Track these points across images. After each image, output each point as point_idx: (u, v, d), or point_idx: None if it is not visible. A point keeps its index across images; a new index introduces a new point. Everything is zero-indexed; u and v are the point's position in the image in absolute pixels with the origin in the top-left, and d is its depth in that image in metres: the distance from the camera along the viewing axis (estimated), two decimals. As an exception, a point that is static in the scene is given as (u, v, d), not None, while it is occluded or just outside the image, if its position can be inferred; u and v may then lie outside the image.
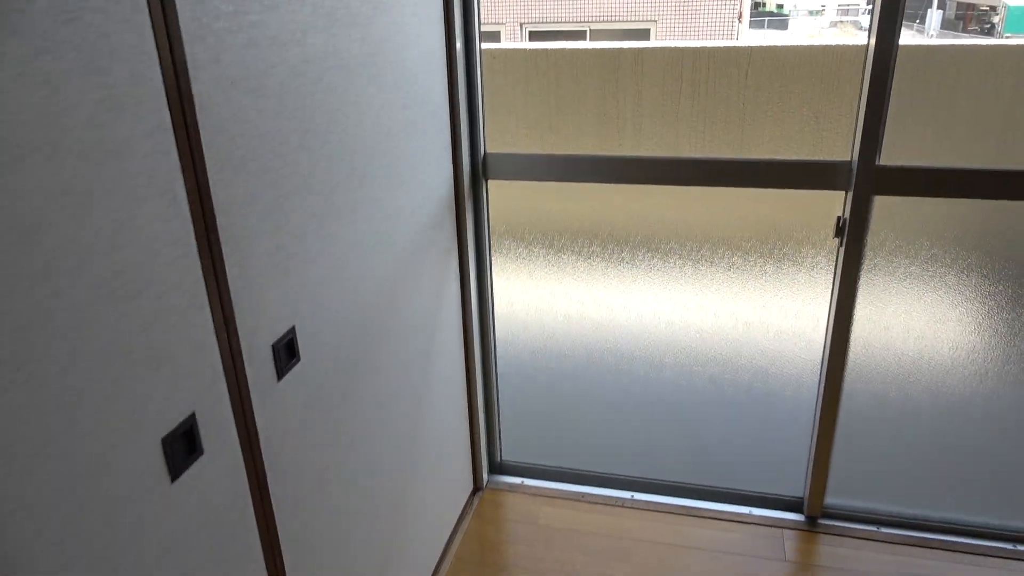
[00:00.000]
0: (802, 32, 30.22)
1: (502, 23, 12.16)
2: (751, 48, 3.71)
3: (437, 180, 2.27)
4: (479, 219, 2.58)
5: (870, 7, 2.09)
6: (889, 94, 2.14)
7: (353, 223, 1.70)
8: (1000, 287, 2.33)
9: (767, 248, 2.54)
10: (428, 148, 2.17)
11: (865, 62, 2.16)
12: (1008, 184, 2.12)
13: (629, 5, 11.74)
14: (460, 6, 2.30)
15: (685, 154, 2.53)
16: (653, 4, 11.67)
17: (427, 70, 2.12)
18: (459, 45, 2.32)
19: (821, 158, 2.32)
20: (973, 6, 30.81)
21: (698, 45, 3.79)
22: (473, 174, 2.50)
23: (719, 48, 3.76)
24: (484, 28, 2.41)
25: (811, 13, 33.31)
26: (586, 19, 12.06)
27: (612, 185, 2.64)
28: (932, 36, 24.95)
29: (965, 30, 29.60)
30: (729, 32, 11.82)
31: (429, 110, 2.16)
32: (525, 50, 3.61)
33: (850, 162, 2.25)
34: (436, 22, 2.18)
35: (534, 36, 12.38)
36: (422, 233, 2.17)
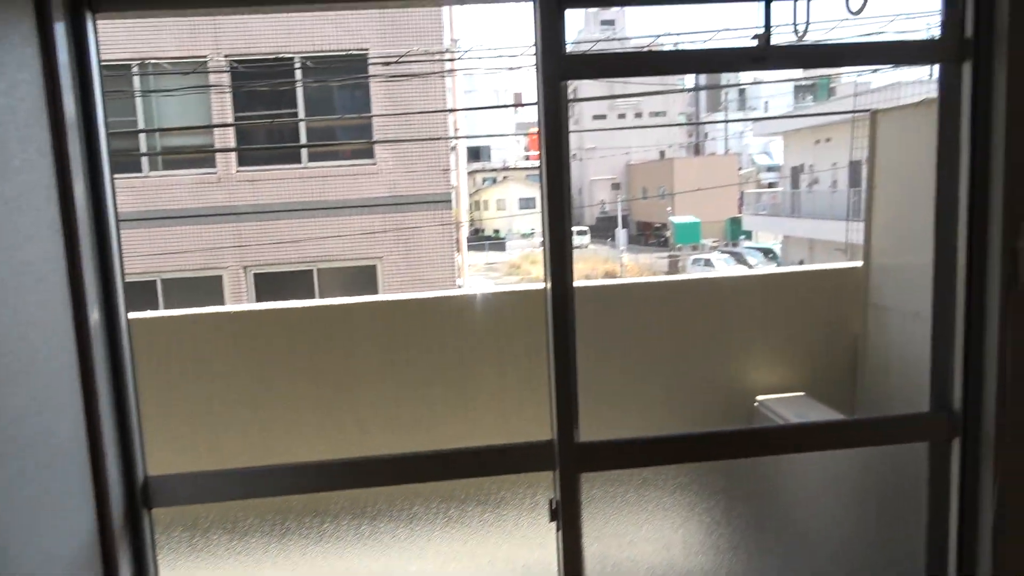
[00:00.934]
0: (517, 250, 33.79)
1: (224, 266, 11.83)
2: (461, 297, 3.84)
3: (69, 531, 1.72)
4: (142, 563, 2.02)
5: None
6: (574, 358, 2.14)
7: None
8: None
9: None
10: (47, 496, 1.63)
11: (547, 320, 2.16)
12: (698, 447, 2.18)
13: (354, 242, 12.10)
14: (93, 258, 1.87)
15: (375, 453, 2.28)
16: (377, 240, 12.15)
17: (43, 369, 1.63)
18: (94, 317, 1.86)
19: (524, 440, 2.23)
20: (649, 224, 36.96)
21: (410, 297, 3.84)
22: (130, 508, 1.97)
23: (431, 298, 3.83)
24: (195, 270, 1.98)
25: (523, 236, 37.66)
26: (313, 258, 12.16)
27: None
28: (623, 251, 29.17)
29: (646, 243, 35.24)
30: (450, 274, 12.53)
31: (48, 438, 1.63)
32: (213, 315, 3.31)
33: (552, 441, 2.17)
34: (57, 287, 1.72)
35: (260, 279, 12.15)
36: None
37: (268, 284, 12.12)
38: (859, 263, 3.76)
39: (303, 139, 11.89)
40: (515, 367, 3.59)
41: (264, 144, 12.00)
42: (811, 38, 2.36)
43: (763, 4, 1.99)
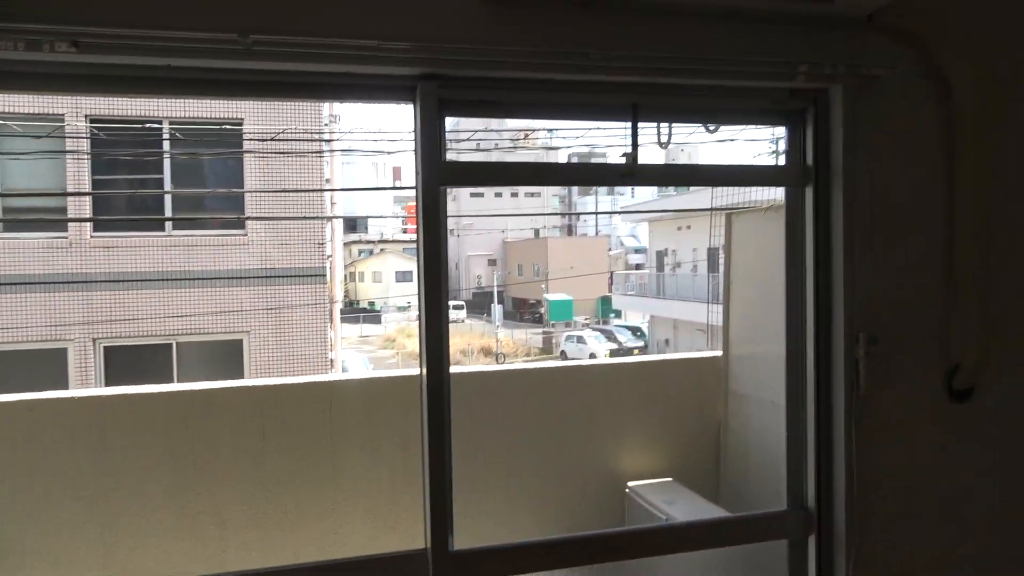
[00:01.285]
0: (393, 325, 33.36)
1: (70, 338, 10.88)
2: (332, 383, 3.71)
3: None
4: None
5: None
6: (449, 460, 2.10)
7: None
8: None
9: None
10: None
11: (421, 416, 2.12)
12: (577, 550, 2.20)
13: (220, 315, 11.51)
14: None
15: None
16: (245, 314, 11.62)
17: None
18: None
19: (395, 548, 2.16)
20: (525, 301, 37.65)
21: (278, 382, 3.66)
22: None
23: (302, 384, 3.66)
24: (37, 342, 1.80)
25: (400, 309, 37.33)
26: (173, 331, 11.44)
27: None
28: (498, 326, 29.48)
29: (521, 319, 35.81)
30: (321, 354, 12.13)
31: None
32: (53, 400, 3.02)
33: (425, 550, 2.11)
34: None
35: (111, 353, 11.25)
36: None
37: (120, 359, 11.23)
38: (720, 352, 3.98)
39: (168, 206, 11.32)
40: (388, 458, 3.48)
41: (126, 211, 11.32)
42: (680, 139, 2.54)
43: (630, 126, 2.12)
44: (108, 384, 10.80)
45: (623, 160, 2.13)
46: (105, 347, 11.18)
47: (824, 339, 2.29)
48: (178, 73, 1.88)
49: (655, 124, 2.37)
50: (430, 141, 2.02)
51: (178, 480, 3.17)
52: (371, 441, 3.48)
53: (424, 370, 2.10)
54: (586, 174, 2.36)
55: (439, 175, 2.03)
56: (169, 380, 11.03)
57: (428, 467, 2.07)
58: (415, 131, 2.04)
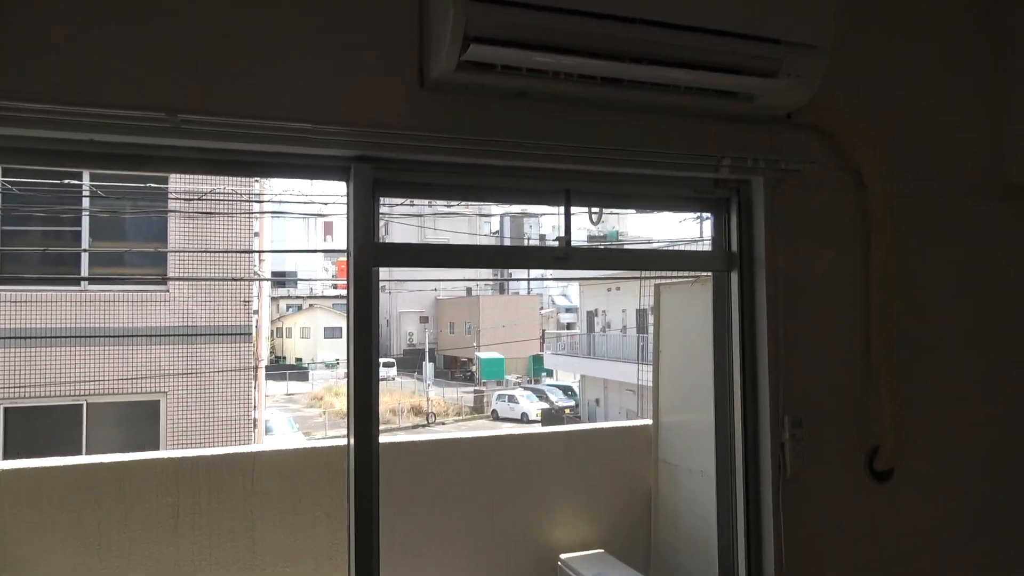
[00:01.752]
0: (321, 382, 32.53)
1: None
2: (253, 454, 3.56)
3: None
4: None
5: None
6: (377, 511, 2.04)
7: None
8: None
9: None
10: None
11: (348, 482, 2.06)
12: None
13: (136, 374, 10.97)
14: None
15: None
16: (164, 373, 11.12)
17: None
18: None
19: None
20: (456, 359, 37.42)
21: (197, 454, 3.50)
22: None
23: (219, 456, 3.51)
24: None
25: (328, 366, 36.47)
26: (83, 391, 10.81)
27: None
28: (429, 384, 29.11)
29: (453, 378, 35.52)
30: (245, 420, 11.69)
31: None
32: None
33: None
34: None
35: (12, 414, 10.53)
36: None
37: (22, 421, 10.53)
38: (650, 421, 4.02)
39: (85, 263, 10.84)
40: (311, 533, 3.36)
41: (39, 262, 10.78)
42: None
43: (562, 212, 2.16)
44: (7, 449, 10.08)
45: (556, 243, 2.16)
46: (5, 408, 10.48)
47: (751, 420, 2.34)
48: (102, 148, 1.82)
49: (586, 210, 2.43)
50: (364, 221, 2.01)
51: (82, 562, 2.99)
52: (293, 516, 3.36)
53: (352, 440, 2.04)
54: (521, 257, 2.40)
55: (372, 256, 2.01)
56: (78, 444, 10.41)
57: (354, 543, 1.98)
58: (348, 210, 2.02)
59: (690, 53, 1.91)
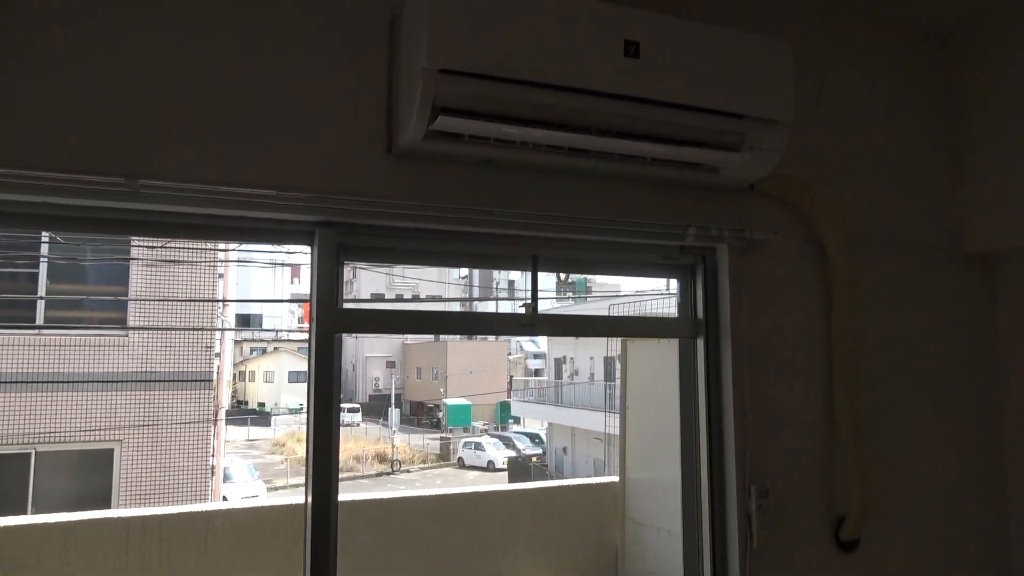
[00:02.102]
0: (284, 428, 31.83)
1: None
2: (209, 513, 3.45)
3: None
4: None
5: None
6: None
7: None
8: None
9: None
10: None
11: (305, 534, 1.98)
12: None
13: (89, 421, 10.61)
14: None
15: None
16: (119, 420, 10.77)
17: None
18: None
19: None
20: (423, 404, 36.97)
21: (148, 513, 3.37)
22: None
23: (172, 515, 3.39)
24: None
25: (291, 411, 35.76)
26: (31, 440, 10.41)
27: None
28: (395, 431, 28.66)
29: (419, 424, 35.04)
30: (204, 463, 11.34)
31: None
32: None
33: None
34: None
35: (-46, 465, 10.08)
36: None
37: (-35, 471, 10.10)
38: (617, 478, 3.97)
39: (40, 309, 10.55)
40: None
41: (-9, 306, 10.48)
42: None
43: (530, 276, 2.16)
44: (-53, 502, 9.63)
45: (523, 310, 2.15)
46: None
47: (718, 488, 2.32)
48: (58, 211, 1.78)
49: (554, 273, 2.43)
50: (328, 286, 1.98)
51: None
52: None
53: (309, 499, 1.97)
54: (488, 324, 2.39)
55: (335, 322, 1.97)
56: (24, 496, 9.98)
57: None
58: (312, 275, 1.99)
59: (657, 127, 1.94)
